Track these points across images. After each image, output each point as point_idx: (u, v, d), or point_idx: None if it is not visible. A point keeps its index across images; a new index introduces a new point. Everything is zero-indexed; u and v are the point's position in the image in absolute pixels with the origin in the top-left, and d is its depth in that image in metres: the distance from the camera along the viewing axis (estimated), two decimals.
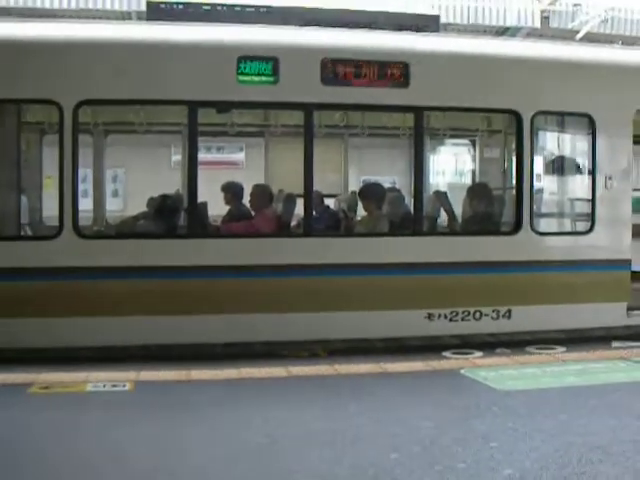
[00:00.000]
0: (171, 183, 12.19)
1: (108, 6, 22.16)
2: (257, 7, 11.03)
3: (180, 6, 10.73)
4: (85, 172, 11.78)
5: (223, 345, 10.05)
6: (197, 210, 10.31)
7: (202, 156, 11.28)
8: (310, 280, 10.22)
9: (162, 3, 10.75)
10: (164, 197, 11.36)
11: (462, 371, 8.92)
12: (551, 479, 5.52)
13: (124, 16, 21.89)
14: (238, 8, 10.94)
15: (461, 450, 6.14)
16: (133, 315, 9.75)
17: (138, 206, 11.87)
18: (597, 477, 5.56)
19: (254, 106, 11.29)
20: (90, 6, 22.09)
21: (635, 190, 12.61)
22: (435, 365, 9.30)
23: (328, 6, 11.40)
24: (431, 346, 10.35)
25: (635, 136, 11.55)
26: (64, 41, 9.94)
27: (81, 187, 10.12)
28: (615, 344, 10.88)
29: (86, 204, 11.58)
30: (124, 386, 8.04)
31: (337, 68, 10.35)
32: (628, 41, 22.15)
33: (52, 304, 9.55)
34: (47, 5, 21.89)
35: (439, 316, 10.62)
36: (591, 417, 7.08)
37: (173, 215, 11.03)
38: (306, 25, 10.65)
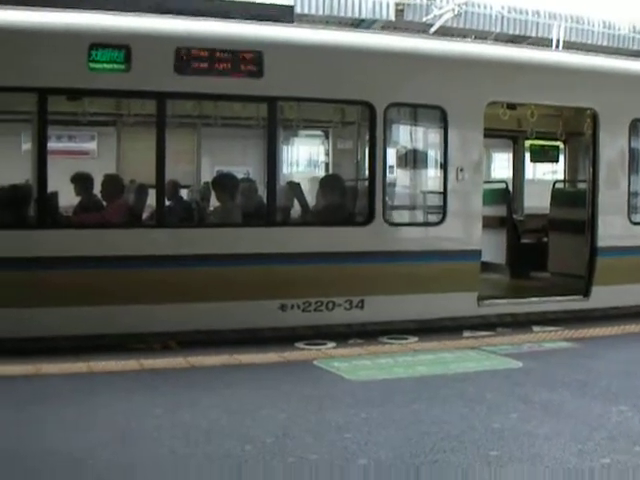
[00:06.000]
0: (21, 172, 11.81)
1: None
2: None
3: None
4: None
5: (75, 338, 9.78)
6: (47, 200, 10.04)
7: (53, 145, 10.98)
8: (163, 271, 10.08)
9: None
10: (13, 187, 10.95)
11: (315, 362, 8.96)
12: (405, 468, 5.57)
13: None
14: None
15: (314, 441, 6.14)
16: None
17: None
18: (449, 465, 5.63)
19: (106, 94, 11.02)
20: None
21: (486, 182, 12.89)
22: (288, 356, 9.32)
23: None
24: (285, 337, 10.33)
25: (486, 129, 11.77)
26: None
27: None
28: (466, 333, 11.07)
29: None
30: None
31: (191, 57, 10.22)
32: (480, 35, 22.57)
33: None
34: None
35: (292, 307, 10.62)
36: (443, 406, 7.19)
37: (22, 206, 10.65)
38: (158, 13, 10.46)
